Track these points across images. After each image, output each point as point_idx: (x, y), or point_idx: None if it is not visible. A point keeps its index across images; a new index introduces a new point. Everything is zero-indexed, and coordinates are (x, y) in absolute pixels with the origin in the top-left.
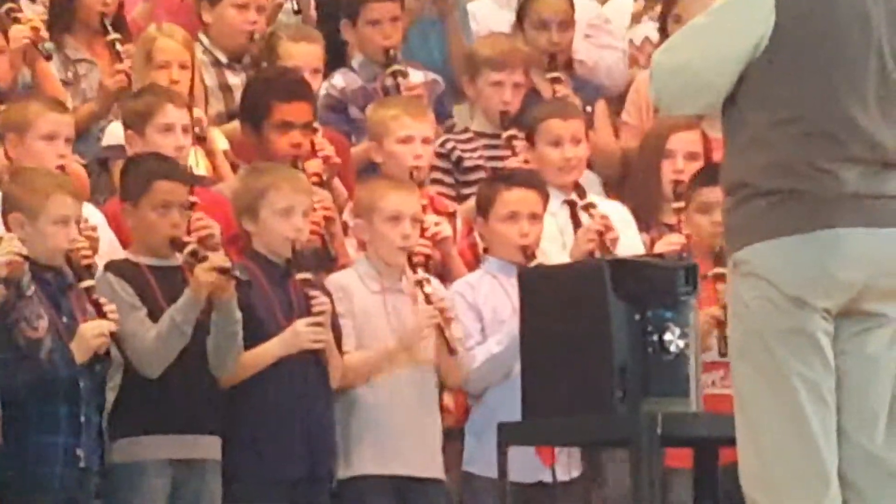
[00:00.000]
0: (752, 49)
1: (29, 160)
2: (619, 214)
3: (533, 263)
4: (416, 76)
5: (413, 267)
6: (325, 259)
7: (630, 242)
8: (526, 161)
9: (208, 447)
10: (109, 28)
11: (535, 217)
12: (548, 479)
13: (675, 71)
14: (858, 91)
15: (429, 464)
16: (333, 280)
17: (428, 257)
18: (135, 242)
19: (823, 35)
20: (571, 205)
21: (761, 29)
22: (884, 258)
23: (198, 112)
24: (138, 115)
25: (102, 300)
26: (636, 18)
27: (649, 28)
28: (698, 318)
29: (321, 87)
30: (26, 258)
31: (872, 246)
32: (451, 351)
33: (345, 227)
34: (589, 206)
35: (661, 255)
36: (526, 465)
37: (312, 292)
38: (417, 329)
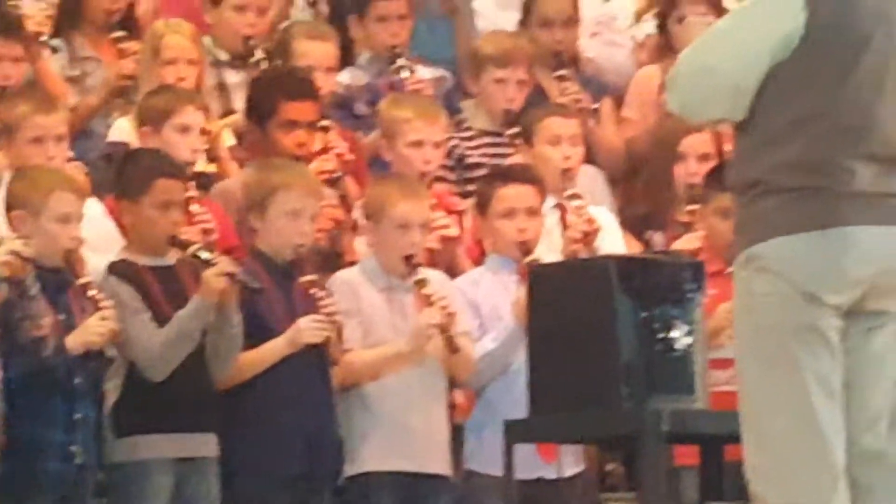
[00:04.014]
0: (782, 48)
1: (20, 163)
2: (604, 219)
3: (528, 259)
4: (424, 73)
5: (411, 268)
6: (331, 258)
7: (615, 248)
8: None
9: (208, 445)
10: (116, 26)
11: (533, 212)
12: (548, 475)
13: (701, 74)
14: (880, 90)
15: (435, 460)
16: (340, 277)
17: (432, 251)
18: (132, 241)
19: (850, 34)
20: (562, 209)
21: (791, 28)
22: (890, 256)
23: (215, 124)
24: (157, 113)
25: (99, 296)
26: (638, 16)
27: (652, 25)
28: (703, 315)
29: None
30: (27, 259)
31: (882, 244)
32: (453, 350)
33: (354, 224)
34: (574, 196)
35: (668, 253)
36: (526, 461)
37: (319, 293)
38: (422, 330)
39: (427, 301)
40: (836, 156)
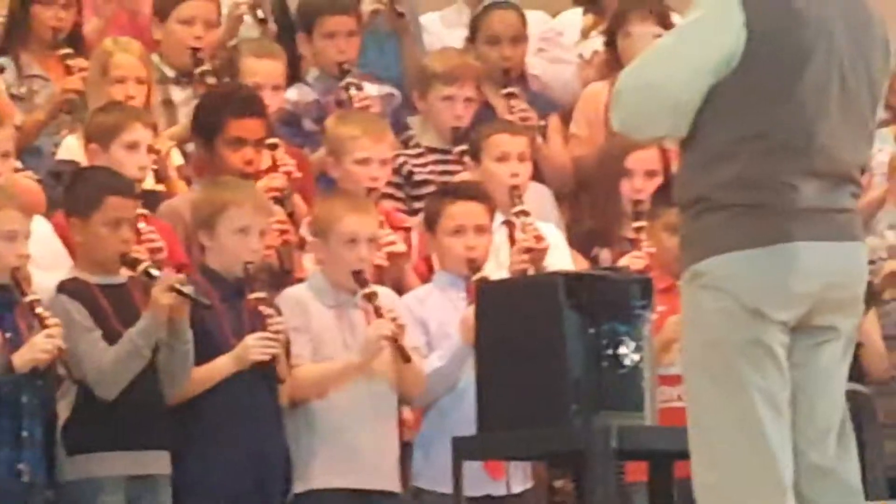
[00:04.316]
0: (725, 65)
1: None
2: (552, 236)
3: (476, 276)
4: (371, 90)
5: (360, 283)
6: (280, 275)
7: (563, 265)
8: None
9: (159, 462)
10: (63, 43)
11: (482, 229)
12: (495, 492)
13: (643, 91)
14: (823, 106)
15: (384, 476)
16: (288, 294)
17: (379, 268)
18: (81, 258)
19: (792, 51)
20: (510, 225)
21: (732, 44)
22: (835, 271)
23: (163, 143)
24: (105, 131)
25: (45, 314)
26: (585, 33)
27: (599, 42)
28: (652, 331)
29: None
30: None
31: (827, 259)
32: (406, 359)
33: (303, 241)
34: (522, 213)
35: (615, 269)
36: (474, 478)
37: (267, 310)
38: (372, 341)
39: (377, 313)
40: (779, 172)
